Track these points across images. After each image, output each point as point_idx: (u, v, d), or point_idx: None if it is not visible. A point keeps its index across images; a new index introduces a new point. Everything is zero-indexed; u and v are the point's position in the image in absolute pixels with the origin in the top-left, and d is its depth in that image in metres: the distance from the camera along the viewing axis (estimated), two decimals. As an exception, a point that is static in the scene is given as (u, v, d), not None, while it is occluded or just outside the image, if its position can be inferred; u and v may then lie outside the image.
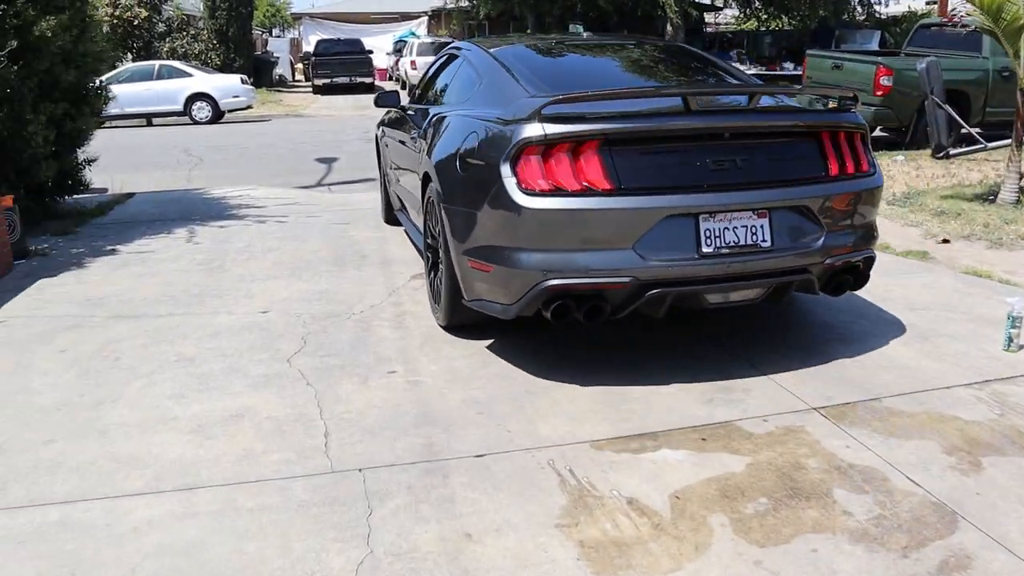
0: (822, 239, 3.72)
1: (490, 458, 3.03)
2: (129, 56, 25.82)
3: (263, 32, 47.15)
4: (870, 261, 4.03)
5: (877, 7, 28.19)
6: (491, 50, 4.93)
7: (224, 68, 26.80)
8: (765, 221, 3.61)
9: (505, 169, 3.54)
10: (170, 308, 4.99)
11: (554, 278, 3.49)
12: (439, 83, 5.68)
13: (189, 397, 3.67)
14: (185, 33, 27.29)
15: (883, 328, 4.38)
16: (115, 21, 25.60)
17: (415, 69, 26.71)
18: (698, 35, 34.18)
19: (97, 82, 8.22)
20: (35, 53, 6.93)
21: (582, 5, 28.03)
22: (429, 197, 4.51)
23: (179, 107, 20.05)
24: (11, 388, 3.85)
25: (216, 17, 28.07)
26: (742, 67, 26.30)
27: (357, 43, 31.34)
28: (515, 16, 30.44)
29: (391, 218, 7.11)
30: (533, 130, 3.47)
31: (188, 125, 19.98)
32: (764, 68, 26.17)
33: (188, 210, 8.48)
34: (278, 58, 34.91)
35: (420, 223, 4.97)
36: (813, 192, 3.73)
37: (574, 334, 4.34)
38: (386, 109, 6.97)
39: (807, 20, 29.00)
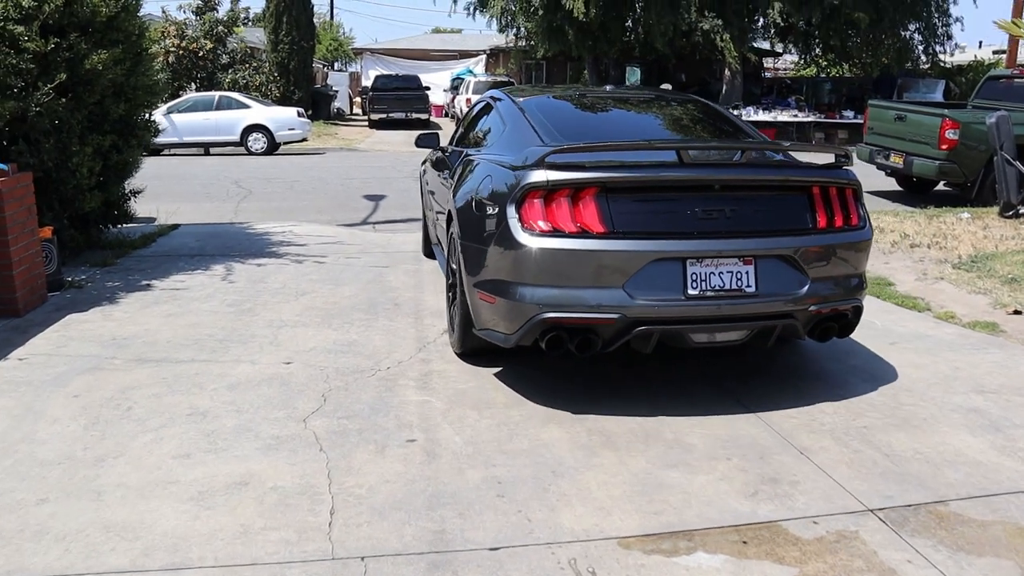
0: (807, 287, 3.94)
1: (505, 553, 2.75)
2: (193, 86, 26.39)
3: (325, 65, 48.04)
4: (858, 310, 4.21)
5: (942, 56, 27.48)
6: (518, 100, 5.24)
7: (284, 100, 27.22)
8: (751, 268, 3.86)
9: (511, 210, 3.88)
10: (193, 353, 4.83)
11: (549, 311, 3.81)
12: (475, 128, 5.96)
13: (195, 458, 3.46)
14: (248, 65, 27.80)
15: (949, 413, 4.00)
16: (181, 52, 26.21)
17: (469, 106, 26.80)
18: (756, 80, 33.89)
19: (147, 115, 8.21)
20: (86, 86, 6.93)
21: (640, 48, 27.92)
22: (451, 234, 4.78)
23: (236, 138, 20.31)
24: (17, 436, 3.69)
25: (278, 50, 28.58)
26: (800, 114, 25.97)
27: (414, 79, 31.63)
28: (572, 56, 30.48)
29: (429, 251, 7.38)
30: (537, 176, 3.84)
31: (243, 156, 20.21)
32: (823, 116, 25.73)
33: (229, 245, 8.41)
34: (337, 92, 35.41)
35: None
36: (799, 243, 3.95)
37: (621, 404, 4.05)
38: (430, 149, 7.21)
39: (869, 68, 28.43)
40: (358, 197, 12.68)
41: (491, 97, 5.84)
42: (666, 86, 30.52)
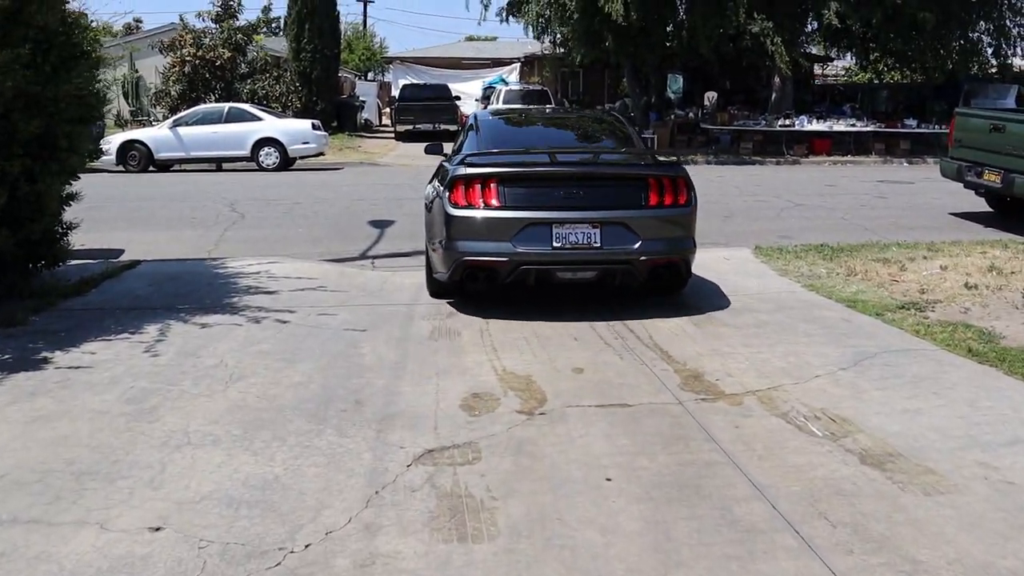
0: (639, 244, 5.78)
1: None
2: (212, 97, 25.06)
3: (357, 75, 46.80)
4: (687, 263, 6.11)
5: (1013, 59, 25.27)
6: (480, 119, 7.39)
7: (305, 111, 25.81)
8: (597, 230, 5.77)
9: (445, 193, 5.98)
10: (24, 502, 3.17)
11: (466, 257, 5.83)
12: (457, 140, 7.52)
13: None
14: (268, 75, 26.45)
15: None
16: (197, 61, 24.92)
17: (501, 117, 25.14)
18: (807, 87, 31.85)
19: (80, 132, 6.62)
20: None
21: (683, 54, 26.08)
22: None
23: (246, 152, 18.84)
24: None
25: (300, 59, 27.19)
26: (858, 123, 23.90)
27: (443, 89, 30.07)
28: (610, 64, 28.71)
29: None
30: (459, 171, 5.98)
31: (254, 172, 18.73)
32: (882, 125, 23.66)
33: (184, 293, 6.81)
34: (364, 102, 34.01)
35: None
36: (632, 215, 5.84)
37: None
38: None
39: (931, 73, 26.17)
40: (362, 223, 11.04)
41: (474, 114, 7.97)
42: (711, 94, 28.63)
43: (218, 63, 25.23)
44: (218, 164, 19.89)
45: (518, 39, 33.27)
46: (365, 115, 34.13)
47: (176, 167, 19.79)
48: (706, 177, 16.95)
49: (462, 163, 6.07)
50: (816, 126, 22.99)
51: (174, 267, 8.04)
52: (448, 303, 6.40)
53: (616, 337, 5.36)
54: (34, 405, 4.20)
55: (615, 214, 5.78)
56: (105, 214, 12.02)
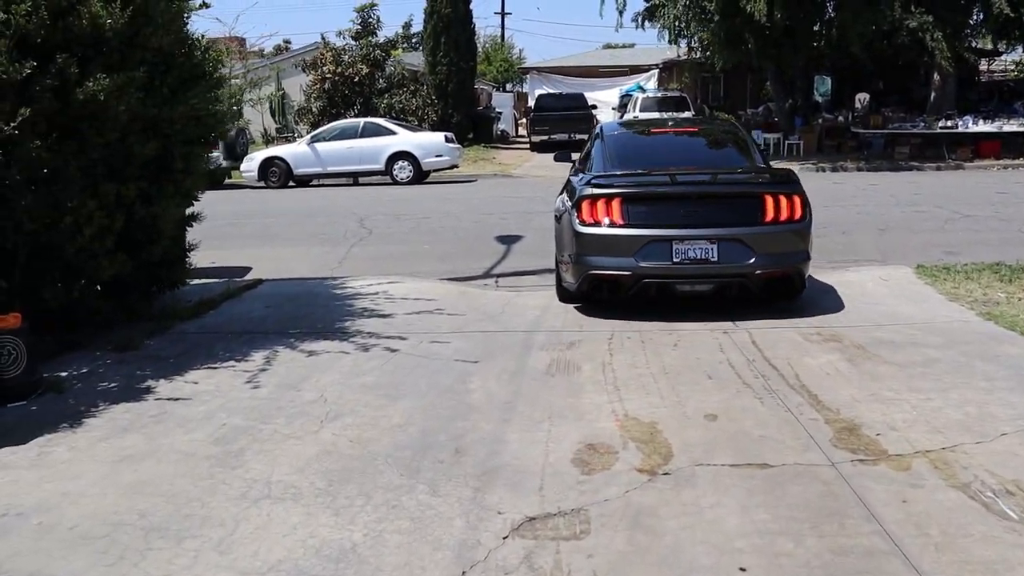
0: (753, 259, 6.08)
1: None
2: (352, 113, 25.58)
3: (495, 87, 47.07)
4: (800, 273, 6.29)
5: None
6: (606, 132, 7.80)
7: (441, 124, 25.98)
8: (714, 246, 6.10)
9: (574, 211, 6.43)
10: (87, 559, 2.90)
11: (593, 271, 6.30)
12: (584, 151, 8.03)
13: None
14: (405, 89, 26.79)
15: None
16: (337, 78, 25.51)
17: (637, 125, 24.42)
18: (971, 85, 29.42)
19: (197, 154, 6.55)
20: (92, 121, 5.30)
21: (831, 54, 24.57)
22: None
23: (381, 166, 19.00)
24: None
25: (436, 72, 27.41)
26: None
27: (579, 98, 29.61)
28: (752, 68, 27.45)
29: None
30: (586, 191, 6.41)
31: (387, 186, 18.88)
32: (1062, 124, 21.39)
33: (299, 316, 6.63)
34: (500, 113, 34.02)
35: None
36: (747, 231, 6.15)
37: None
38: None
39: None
40: (490, 239, 10.70)
41: (601, 127, 8.27)
42: (862, 96, 26.89)
43: (356, 79, 25.75)
44: (355, 179, 20.19)
45: (656, 45, 32.29)
46: (501, 126, 34.13)
47: (315, 182, 20.24)
48: (857, 185, 15.73)
49: (589, 183, 6.52)
50: (983, 127, 21.05)
51: (294, 287, 7.91)
52: (571, 332, 5.91)
53: (757, 376, 4.70)
54: (124, 443, 3.99)
55: (731, 231, 6.16)
56: (240, 230, 12.24)
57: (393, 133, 19.20)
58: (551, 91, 33.62)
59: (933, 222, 10.90)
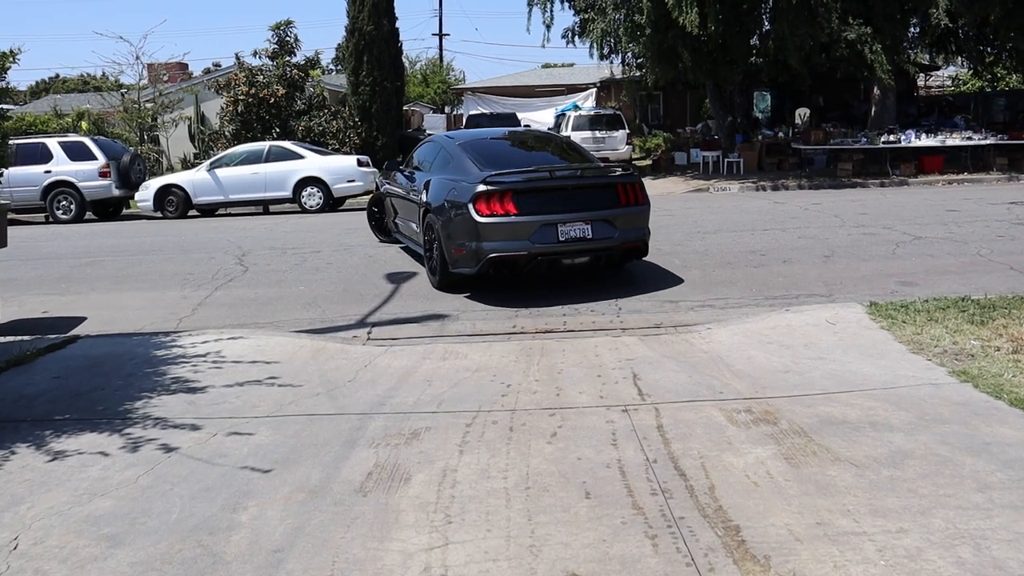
0: (618, 234, 7.67)
1: None
2: (270, 136, 23.94)
3: (433, 109, 45.71)
4: (644, 244, 8.04)
5: None
6: (461, 142, 9.08)
7: (364, 147, 24.48)
8: (589, 225, 7.56)
9: (470, 205, 7.45)
10: None
11: (493, 253, 7.40)
12: (424, 158, 9.66)
13: None
14: (326, 111, 25.22)
15: None
16: (250, 100, 23.87)
17: (570, 145, 23.20)
18: (910, 99, 28.84)
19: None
20: None
21: (769, 69, 23.68)
22: (428, 221, 8.40)
23: (288, 194, 17.43)
24: None
25: (359, 93, 25.88)
26: (975, 135, 20.92)
27: (510, 117, 28.40)
28: (690, 84, 26.47)
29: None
30: (481, 188, 7.44)
31: (297, 214, 17.30)
32: (1005, 136, 20.64)
33: (85, 391, 5.09)
34: (431, 135, 32.60)
35: (418, 236, 9.00)
36: (610, 213, 7.69)
37: None
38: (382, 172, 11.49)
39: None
40: (378, 277, 9.21)
41: (435, 139, 10.01)
42: (802, 111, 26.06)
43: (272, 100, 24.13)
44: (264, 207, 18.60)
45: (596, 64, 31.31)
46: (434, 149, 32.72)
47: (221, 211, 18.59)
48: (799, 205, 14.58)
49: (482, 182, 7.54)
50: (926, 141, 20.19)
51: (112, 346, 6.32)
52: (423, 412, 4.44)
53: (655, 491, 3.28)
54: None
55: (600, 213, 7.70)
56: (98, 270, 10.58)
57: (301, 157, 17.63)
58: (484, 111, 32.38)
59: (883, 246, 9.69)
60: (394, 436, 4.06)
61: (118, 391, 5.10)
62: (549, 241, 7.47)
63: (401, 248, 11.08)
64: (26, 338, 6.76)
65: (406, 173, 9.87)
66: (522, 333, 6.65)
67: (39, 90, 56.90)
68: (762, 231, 11.36)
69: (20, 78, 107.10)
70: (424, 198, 8.51)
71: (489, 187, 7.46)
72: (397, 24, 27.22)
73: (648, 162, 25.58)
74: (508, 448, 3.81)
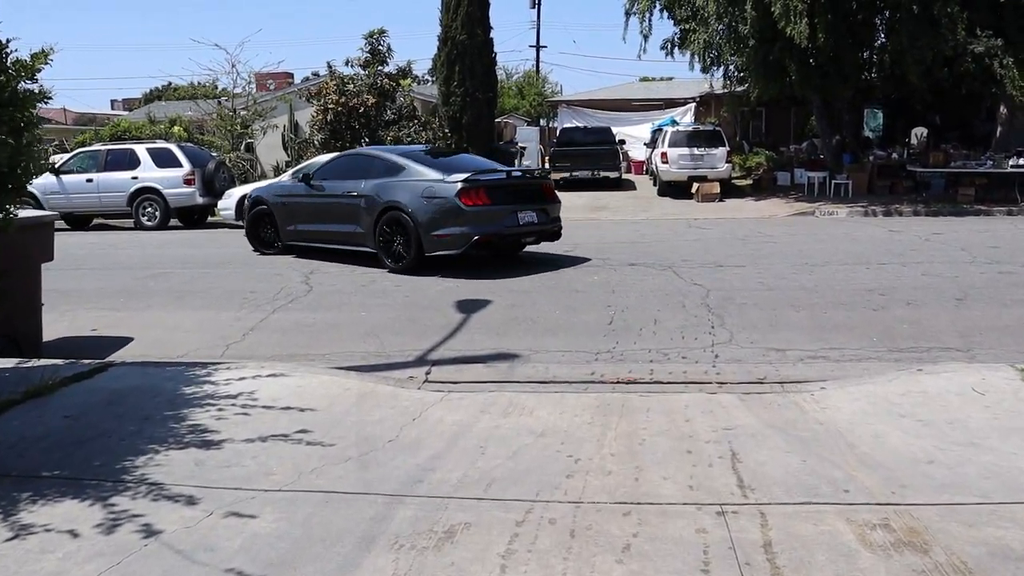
0: (552, 220, 10.95)
1: None
2: (361, 145, 23.66)
3: (527, 122, 45.12)
4: (560, 229, 11.31)
5: None
6: (397, 153, 11.31)
7: (453, 159, 23.96)
8: (536, 213, 10.50)
9: (455, 196, 9.77)
10: None
11: (477, 235, 9.75)
12: (348, 168, 11.48)
13: None
14: (415, 121, 24.80)
15: None
16: (340, 109, 23.63)
17: (666, 163, 22.09)
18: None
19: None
20: None
21: (883, 85, 22.08)
22: (390, 217, 10.34)
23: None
24: None
25: (450, 103, 25.41)
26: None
27: (605, 132, 27.38)
28: (795, 99, 24.99)
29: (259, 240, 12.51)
30: (465, 183, 9.85)
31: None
32: None
33: (88, 437, 4.46)
34: (524, 148, 31.86)
35: (360, 235, 10.80)
36: (546, 204, 10.85)
37: None
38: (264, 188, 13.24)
39: None
40: (447, 303, 8.43)
41: (357, 152, 13.13)
42: (919, 130, 24.28)
43: (362, 110, 23.83)
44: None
45: (696, 78, 30.11)
46: (527, 162, 31.99)
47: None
48: (917, 234, 13.19)
49: (464, 181, 9.93)
50: (1060, 166, 18.34)
51: (141, 378, 5.69)
52: (464, 498, 3.59)
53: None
54: None
55: (541, 205, 10.72)
56: (161, 284, 10.16)
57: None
58: (577, 124, 31.51)
59: (1025, 288, 8.38)
60: (423, 535, 3.21)
61: (125, 440, 4.42)
62: (513, 224, 10.27)
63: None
64: (60, 362, 6.22)
65: (322, 184, 11.37)
66: (601, 383, 5.75)
67: (152, 97, 58.85)
68: (878, 265, 10.12)
69: (135, 86, 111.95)
70: (383, 198, 10.38)
71: (469, 184, 9.93)
72: (492, 34, 26.70)
73: (748, 182, 24.21)
74: (565, 567, 2.91)
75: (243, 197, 17.39)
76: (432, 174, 10.23)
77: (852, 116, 25.56)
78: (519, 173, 11.59)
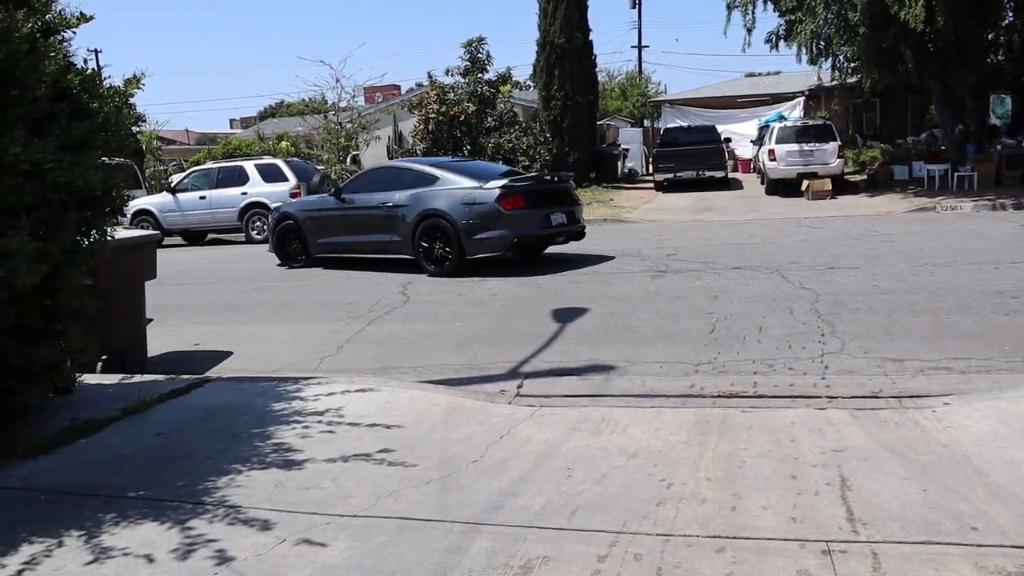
0: (579, 221, 11.67)
1: None
2: (462, 154, 23.78)
3: (630, 123, 44.57)
4: (583, 229, 11.95)
5: None
6: (429, 164, 12.15)
7: (555, 163, 23.77)
8: (564, 215, 11.21)
9: (495, 202, 10.54)
10: None
11: (516, 237, 10.58)
12: (376, 181, 12.12)
13: None
14: (516, 127, 24.72)
15: None
16: (441, 118, 23.79)
17: (774, 160, 21.29)
18: None
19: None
20: None
21: (1012, 68, 20.66)
22: (430, 223, 10.99)
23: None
24: None
25: (550, 108, 25.29)
26: None
27: (710, 131, 26.67)
28: (912, 88, 23.68)
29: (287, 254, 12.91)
30: (504, 188, 10.70)
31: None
32: None
33: (176, 456, 4.48)
34: (627, 150, 31.44)
35: (398, 243, 11.38)
36: (573, 206, 11.58)
37: None
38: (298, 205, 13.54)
39: None
40: (543, 312, 8.23)
41: (400, 163, 13.50)
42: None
43: (462, 118, 23.92)
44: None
45: (804, 71, 29.00)
46: (630, 164, 31.56)
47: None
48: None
49: (501, 187, 10.77)
50: None
51: (231, 395, 5.72)
52: (547, 529, 3.37)
53: None
54: None
55: (569, 207, 11.44)
56: (263, 296, 10.38)
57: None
58: (681, 124, 30.83)
59: None
60: (498, 569, 3.01)
61: (211, 459, 4.40)
62: (547, 226, 10.99)
63: (586, 282, 10.08)
64: (161, 378, 6.34)
65: (352, 197, 11.98)
66: (700, 396, 5.44)
67: (266, 115, 61.10)
68: (1010, 264, 9.35)
69: (251, 105, 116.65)
70: (421, 207, 11.02)
71: (507, 189, 10.74)
72: (591, 37, 26.45)
73: (862, 177, 23.08)
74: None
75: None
76: (468, 182, 10.97)
77: (976, 103, 23.99)
78: (548, 178, 12.43)
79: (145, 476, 4.23)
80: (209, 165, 20.75)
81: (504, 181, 10.91)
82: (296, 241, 12.72)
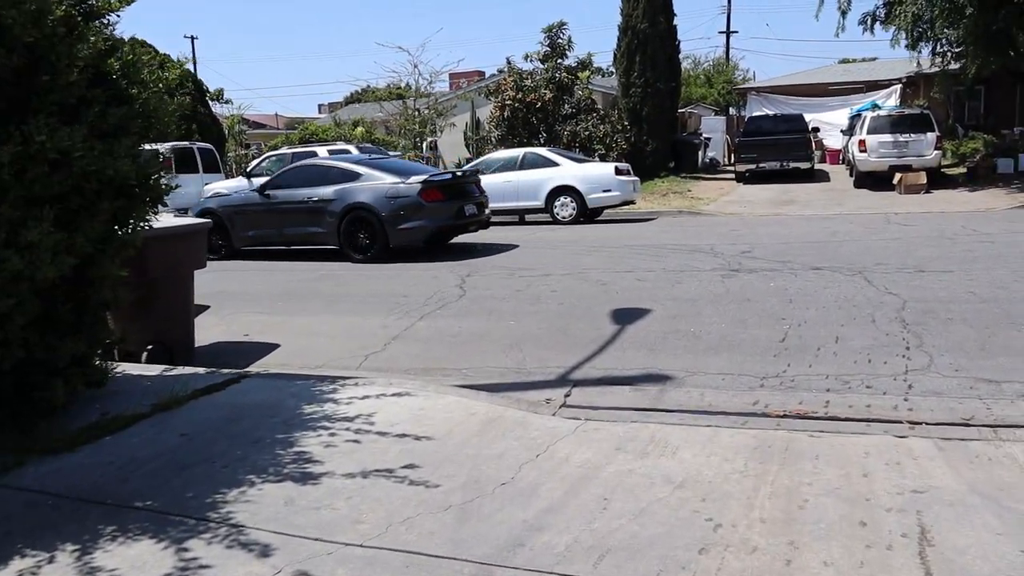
0: (483, 211, 12.97)
1: None
2: (538, 141, 23.38)
3: (715, 111, 43.38)
4: (489, 218, 13.41)
5: None
6: (353, 160, 13.58)
7: (632, 152, 23.18)
8: (475, 207, 12.51)
9: (417, 195, 11.57)
10: None
11: (434, 227, 11.75)
12: (298, 178, 12.85)
13: None
14: (593, 114, 24.16)
15: None
16: (518, 104, 23.41)
17: (864, 151, 20.21)
18: None
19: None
20: None
21: None
22: (354, 217, 11.90)
23: (540, 203, 16.52)
24: None
25: (630, 95, 24.61)
26: None
27: (797, 120, 25.56)
28: (1022, 75, 22.16)
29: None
30: (424, 183, 11.71)
31: (548, 225, 16.34)
32: None
33: (193, 463, 4.25)
34: (708, 139, 30.48)
35: (322, 234, 12.25)
36: (481, 198, 13.09)
37: None
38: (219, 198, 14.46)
39: None
40: (602, 312, 7.77)
41: (315, 164, 13.68)
42: None
43: (539, 105, 23.49)
44: (520, 216, 17.85)
45: (901, 58, 27.53)
46: (711, 153, 30.64)
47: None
48: None
49: (423, 181, 11.79)
50: None
51: (265, 394, 5.47)
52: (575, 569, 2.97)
53: None
54: None
55: (477, 199, 12.70)
56: (321, 286, 10.24)
57: (555, 164, 16.64)
58: (767, 112, 29.71)
59: None
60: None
61: (228, 467, 4.14)
62: (462, 216, 12.07)
63: (652, 278, 9.57)
64: (201, 371, 6.16)
65: (276, 193, 12.69)
66: (763, 415, 4.93)
67: (352, 100, 61.71)
68: None
69: (338, 91, 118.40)
70: (347, 201, 11.92)
71: (427, 184, 11.71)
72: (675, 22, 25.65)
73: (962, 170, 21.74)
74: None
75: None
76: (391, 178, 11.95)
77: (1092, 93, 22.34)
78: (460, 174, 13.33)
79: (155, 483, 3.98)
80: (284, 150, 20.87)
81: (424, 176, 11.94)
82: (216, 235, 12.67)
